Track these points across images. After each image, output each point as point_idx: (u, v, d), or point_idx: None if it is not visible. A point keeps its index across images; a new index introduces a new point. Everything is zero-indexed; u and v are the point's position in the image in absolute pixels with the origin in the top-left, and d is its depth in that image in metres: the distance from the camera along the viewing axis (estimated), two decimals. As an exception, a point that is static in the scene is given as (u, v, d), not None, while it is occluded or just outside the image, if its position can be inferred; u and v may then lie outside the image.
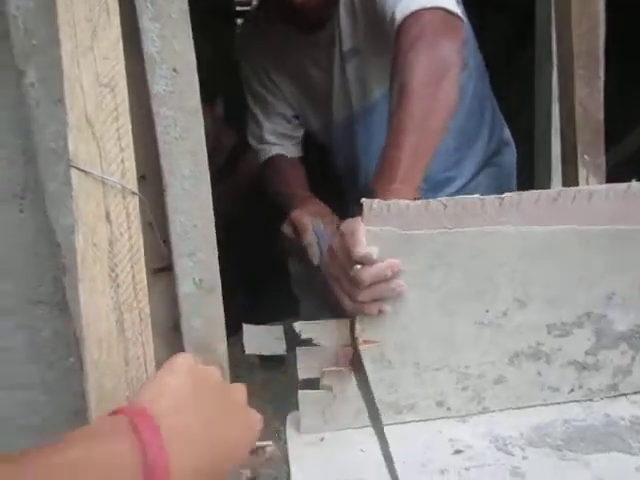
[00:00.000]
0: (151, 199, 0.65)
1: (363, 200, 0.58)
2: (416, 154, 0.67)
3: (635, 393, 0.74)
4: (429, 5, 0.76)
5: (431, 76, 0.70)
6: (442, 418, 0.70)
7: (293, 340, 0.89)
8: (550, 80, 0.86)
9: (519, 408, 0.72)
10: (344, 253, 0.60)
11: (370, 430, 0.68)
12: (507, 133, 1.19)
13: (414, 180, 0.66)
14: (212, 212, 0.64)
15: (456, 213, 0.60)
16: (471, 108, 1.07)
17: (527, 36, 1.21)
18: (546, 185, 0.90)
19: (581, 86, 0.78)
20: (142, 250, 0.64)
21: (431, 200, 0.60)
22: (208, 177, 0.64)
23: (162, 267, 0.67)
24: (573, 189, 0.61)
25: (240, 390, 0.46)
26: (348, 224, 0.60)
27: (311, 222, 0.90)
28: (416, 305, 0.64)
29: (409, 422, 0.69)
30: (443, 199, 0.60)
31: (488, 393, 0.70)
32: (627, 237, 0.65)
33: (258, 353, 0.84)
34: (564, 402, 0.73)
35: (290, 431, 0.68)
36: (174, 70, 0.61)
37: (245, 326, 0.90)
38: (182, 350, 0.62)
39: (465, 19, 0.99)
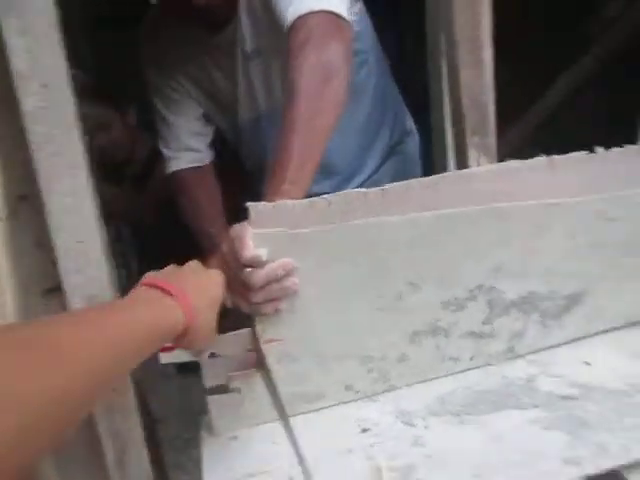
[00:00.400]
0: (34, 219, 0.63)
1: (249, 204, 0.58)
2: (305, 154, 0.66)
3: (530, 353, 0.79)
4: (317, 8, 0.76)
5: (318, 77, 0.70)
6: (352, 401, 0.72)
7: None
8: (440, 69, 0.86)
9: (424, 381, 0.75)
10: (233, 258, 0.59)
11: (281, 423, 0.70)
12: (410, 123, 1.21)
13: (304, 180, 0.66)
14: (98, 226, 0.62)
15: (341, 208, 0.61)
16: (374, 102, 1.09)
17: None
18: (444, 169, 0.92)
19: (467, 71, 0.79)
20: (28, 272, 0.61)
21: (315, 198, 0.60)
22: (90, 191, 0.61)
23: (53, 287, 0.65)
24: (452, 174, 0.63)
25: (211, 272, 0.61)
26: (235, 229, 0.60)
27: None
28: (313, 300, 0.64)
29: (321, 409, 0.71)
30: (327, 196, 0.60)
31: (393, 372, 0.73)
32: (507, 213, 0.68)
33: (173, 361, 0.83)
34: (465, 370, 0.77)
35: (203, 434, 0.69)
36: (44, 85, 0.58)
37: None
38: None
39: (361, 16, 0.99)
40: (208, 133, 1.15)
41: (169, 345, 0.57)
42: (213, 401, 0.67)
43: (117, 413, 0.63)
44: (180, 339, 0.53)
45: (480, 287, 0.72)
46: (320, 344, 0.68)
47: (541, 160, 0.67)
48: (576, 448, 0.61)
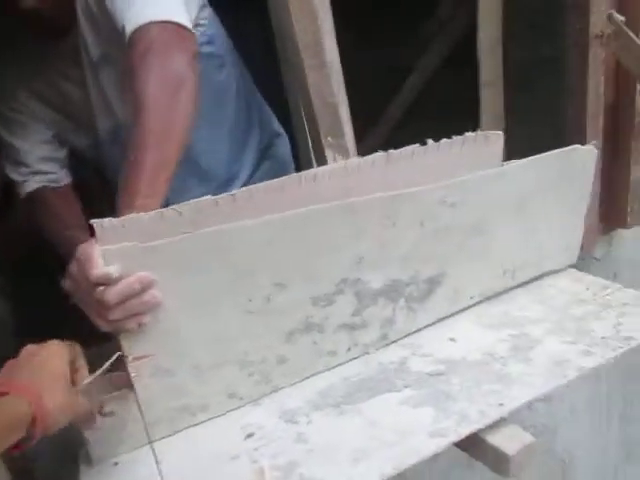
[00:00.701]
0: None
1: (93, 221, 0.57)
2: (158, 167, 0.67)
3: (402, 338, 0.84)
4: (157, 19, 0.76)
5: (165, 89, 0.70)
6: (238, 408, 0.72)
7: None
8: (291, 73, 0.91)
9: (306, 378, 0.77)
10: (82, 277, 0.58)
11: (166, 440, 0.68)
12: (277, 126, 1.23)
13: (159, 193, 0.66)
14: None
15: (193, 217, 0.62)
16: (238, 104, 1.10)
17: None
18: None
19: (313, 75, 0.84)
20: None
21: (164, 209, 0.61)
22: None
23: None
24: (296, 175, 0.67)
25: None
26: (82, 248, 0.59)
27: None
28: (178, 311, 0.64)
29: (206, 421, 0.71)
30: (176, 206, 0.61)
31: (274, 373, 0.74)
32: (359, 207, 0.72)
33: None
34: (344, 362, 0.80)
35: (83, 467, 0.66)
36: None
37: None
38: None
39: (212, 21, 1.01)
40: (60, 156, 1.08)
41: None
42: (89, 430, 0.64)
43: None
44: (34, 427, 0.52)
45: (345, 280, 0.75)
46: (195, 354, 0.67)
47: (380, 155, 0.72)
48: (441, 421, 0.66)
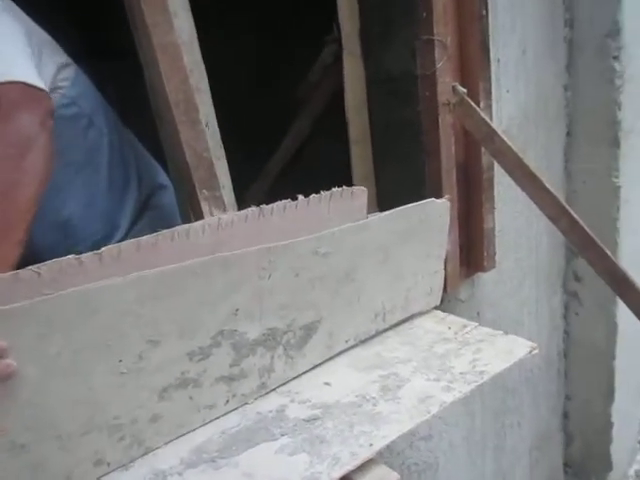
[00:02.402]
0: None
1: None
2: (6, 229, 0.61)
3: (280, 385, 0.83)
4: (2, 80, 0.71)
5: (9, 150, 0.66)
6: (103, 475, 0.66)
7: None
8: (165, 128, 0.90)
9: (182, 435, 0.73)
10: None
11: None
12: (163, 177, 1.20)
13: (8, 258, 0.60)
14: None
15: (54, 277, 0.57)
16: (111, 161, 1.06)
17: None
18: (188, 221, 0.94)
19: (186, 132, 0.83)
20: None
21: (21, 270, 0.55)
22: None
23: None
24: (169, 231, 0.64)
25: None
26: None
27: None
28: (38, 379, 0.58)
29: (70, 494, 0.64)
30: (33, 267, 0.56)
31: (147, 434, 0.69)
32: (233, 260, 0.71)
33: None
34: (223, 414, 0.77)
35: None
36: None
37: None
38: None
39: (76, 80, 0.97)
40: None
41: None
42: None
43: None
44: None
45: (221, 332, 0.73)
46: (58, 424, 0.61)
47: (253, 210, 0.72)
48: (314, 465, 0.65)
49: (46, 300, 0.56)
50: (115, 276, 0.61)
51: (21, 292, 0.55)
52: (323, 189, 0.82)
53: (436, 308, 1.07)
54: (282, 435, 0.71)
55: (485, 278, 1.37)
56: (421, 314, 1.04)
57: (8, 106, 0.68)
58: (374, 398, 0.78)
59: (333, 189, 0.81)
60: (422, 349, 0.92)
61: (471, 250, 1.19)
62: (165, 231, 0.64)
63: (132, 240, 0.63)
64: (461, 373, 0.84)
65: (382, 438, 0.69)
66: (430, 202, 0.95)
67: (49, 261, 0.57)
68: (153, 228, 1.13)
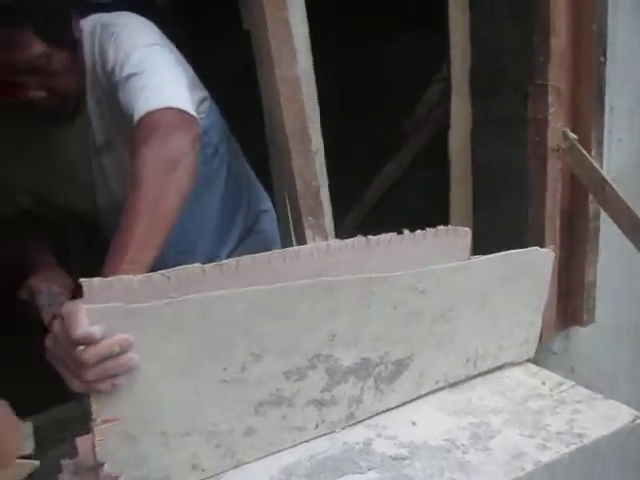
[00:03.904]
0: None
1: (82, 280, 0.56)
2: (146, 236, 0.67)
3: (368, 418, 0.81)
4: (162, 106, 0.80)
5: (162, 165, 0.73)
6: (198, 481, 0.67)
7: (46, 437, 0.80)
8: (277, 155, 0.95)
9: (271, 454, 0.73)
10: (64, 336, 0.56)
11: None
12: (266, 203, 1.27)
13: (144, 261, 0.66)
14: None
15: (180, 283, 0.61)
16: (227, 188, 1.14)
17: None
18: (289, 245, 0.98)
19: (298, 160, 0.87)
20: None
21: (154, 273, 0.60)
22: None
23: None
24: (282, 251, 0.67)
25: None
26: (68, 306, 0.57)
27: (45, 286, 0.90)
28: (154, 375, 0.61)
29: (164, 494, 0.65)
30: (164, 271, 0.60)
31: (240, 446, 0.70)
32: (337, 286, 0.72)
33: None
34: (311, 439, 0.76)
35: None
36: None
37: None
38: None
39: (210, 112, 1.06)
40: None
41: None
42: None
43: None
44: None
45: (318, 356, 0.74)
46: (163, 422, 0.64)
47: (360, 240, 0.74)
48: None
49: (172, 303, 0.60)
50: (232, 287, 0.64)
51: (151, 293, 0.59)
52: (417, 225, 0.82)
53: (527, 360, 1.01)
54: (369, 469, 0.70)
55: (581, 332, 1.28)
56: (512, 364, 0.99)
57: (167, 127, 0.76)
58: (464, 445, 0.75)
59: (438, 227, 0.80)
60: (514, 401, 0.87)
61: (569, 301, 1.12)
62: (278, 251, 0.67)
63: (249, 256, 0.66)
64: (558, 433, 0.78)
65: (473, 487, 0.65)
66: (534, 250, 0.91)
67: (177, 268, 0.61)
68: (254, 251, 1.19)
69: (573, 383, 0.93)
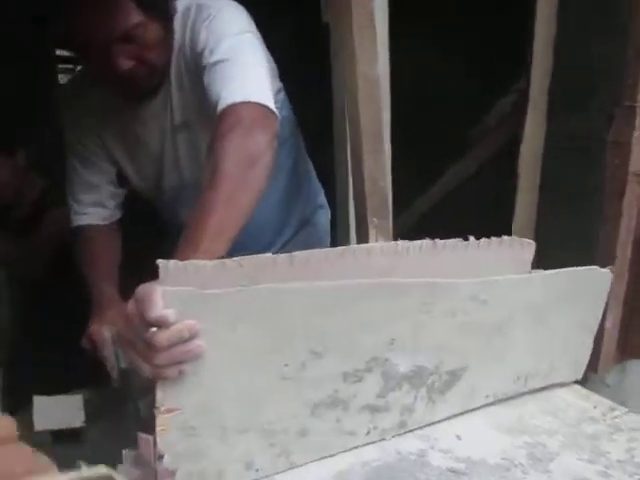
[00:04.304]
0: None
1: (159, 261, 0.54)
2: (221, 228, 0.66)
3: (420, 428, 0.78)
4: (247, 100, 0.80)
5: (243, 161, 0.73)
6: (252, 480, 0.65)
7: (94, 410, 0.79)
8: (345, 153, 0.93)
9: (321, 459, 0.70)
10: (138, 317, 0.54)
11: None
12: (322, 198, 1.27)
13: (217, 252, 0.65)
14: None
15: (252, 271, 0.59)
16: (289, 180, 1.14)
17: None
18: (346, 244, 0.96)
19: (369, 160, 0.86)
20: None
21: (226, 260, 0.58)
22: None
23: None
24: (354, 247, 0.65)
25: None
26: (144, 287, 0.55)
27: (109, 335, 0.82)
28: (218, 365, 0.59)
29: (217, 491, 0.63)
30: (237, 259, 0.58)
31: (294, 447, 0.68)
32: (399, 288, 0.70)
33: (52, 428, 0.72)
34: (361, 445, 0.73)
35: None
36: None
37: (36, 398, 0.77)
38: None
39: (283, 105, 1.05)
40: (120, 194, 1.11)
41: None
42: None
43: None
44: None
45: (376, 359, 0.71)
46: (223, 415, 0.61)
47: (428, 242, 0.72)
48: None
49: (244, 291, 0.58)
50: (300, 281, 0.62)
51: (223, 280, 0.58)
52: (473, 233, 0.79)
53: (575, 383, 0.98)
54: (428, 481, 0.67)
55: (637, 366, 1.23)
56: (561, 385, 0.95)
57: (250, 123, 0.76)
58: (522, 465, 0.71)
59: (504, 237, 0.78)
60: (567, 424, 0.84)
61: (631, 333, 1.07)
62: (350, 246, 0.65)
63: (321, 250, 0.64)
64: (619, 461, 0.74)
65: (538, 508, 0.62)
66: (594, 270, 0.89)
67: (249, 256, 0.59)
68: (307, 244, 1.19)
69: (626, 410, 0.89)
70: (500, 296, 0.79)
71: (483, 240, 0.77)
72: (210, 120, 0.85)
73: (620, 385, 1.22)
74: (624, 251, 0.98)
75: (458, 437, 0.77)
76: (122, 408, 0.76)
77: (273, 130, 0.79)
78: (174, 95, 0.97)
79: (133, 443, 0.59)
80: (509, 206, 1.11)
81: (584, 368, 0.98)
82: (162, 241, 1.20)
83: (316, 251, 0.63)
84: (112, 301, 0.93)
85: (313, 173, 1.22)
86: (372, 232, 0.79)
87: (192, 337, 0.56)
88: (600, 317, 0.94)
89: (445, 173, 1.56)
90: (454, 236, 0.76)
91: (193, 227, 0.66)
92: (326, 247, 1.19)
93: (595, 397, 0.94)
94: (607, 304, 0.87)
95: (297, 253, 0.62)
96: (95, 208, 1.07)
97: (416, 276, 0.71)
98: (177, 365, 0.55)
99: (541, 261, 0.88)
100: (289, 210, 1.13)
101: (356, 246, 0.67)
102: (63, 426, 0.72)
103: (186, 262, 0.56)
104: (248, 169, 0.72)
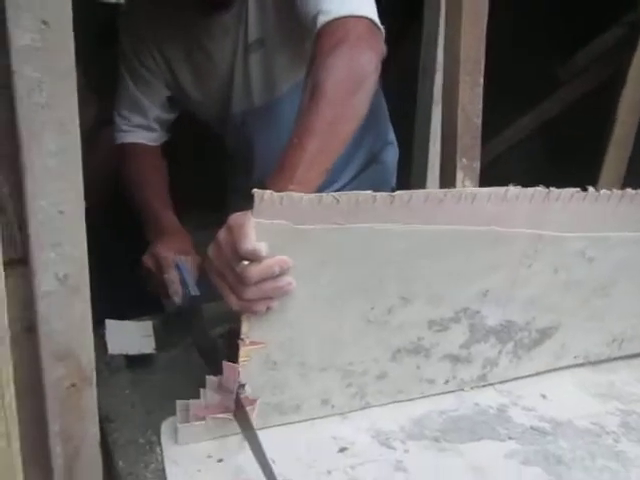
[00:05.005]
0: (7, 178, 0.52)
1: (255, 191, 0.50)
2: (318, 157, 0.61)
3: (501, 382, 0.75)
4: (356, 14, 0.71)
5: (347, 83, 0.65)
6: (326, 416, 0.64)
7: (164, 337, 0.78)
8: (432, 84, 0.83)
9: (398, 402, 0.69)
10: (230, 247, 0.51)
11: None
12: (391, 134, 1.17)
13: (312, 183, 0.60)
14: (83, 195, 0.52)
15: (348, 209, 0.54)
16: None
17: (409, 37, 1.19)
18: (421, 186, 0.89)
19: (465, 92, 0.76)
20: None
21: (324, 194, 0.53)
22: (79, 153, 0.51)
23: (16, 259, 0.54)
24: (458, 190, 0.59)
25: None
26: (237, 217, 0.52)
27: (174, 258, 0.79)
28: (304, 303, 0.57)
29: (293, 423, 0.63)
30: (336, 194, 0.54)
31: (370, 389, 0.66)
32: (502, 238, 0.64)
33: (124, 353, 0.73)
34: (439, 393, 0.71)
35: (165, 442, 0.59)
36: (44, 22, 0.47)
37: (108, 322, 0.78)
38: (36, 356, 0.50)
39: None
40: (170, 118, 1.04)
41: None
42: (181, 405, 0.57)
43: (73, 411, 0.51)
44: None
45: (466, 310, 0.67)
46: (304, 353, 0.60)
47: (540, 190, 0.64)
48: (554, 486, 0.56)
49: (337, 229, 0.54)
50: (399, 221, 0.57)
51: (318, 216, 0.53)
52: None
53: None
54: (509, 438, 0.64)
55: None
56: (657, 353, 0.88)
57: (357, 40, 0.67)
58: (614, 433, 0.67)
59: (627, 189, 0.69)
60: (662, 394, 0.78)
61: None
62: (454, 190, 0.59)
63: (423, 191, 0.58)
64: None
65: (632, 482, 0.58)
66: None
67: (348, 192, 0.54)
68: (373, 181, 1.11)
69: None
70: (609, 254, 0.71)
71: (603, 192, 0.68)
72: (292, 39, 0.77)
73: None
74: None
75: (543, 396, 0.73)
76: (190, 336, 0.77)
77: (380, 49, 0.70)
78: (251, 8, 0.88)
79: (203, 370, 0.59)
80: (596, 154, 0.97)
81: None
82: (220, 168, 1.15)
83: (418, 192, 0.57)
84: (174, 227, 0.89)
85: (385, 106, 1.12)
86: (460, 174, 0.72)
87: (282, 273, 0.53)
88: None
89: (527, 114, 1.40)
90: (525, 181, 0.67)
91: (290, 153, 0.61)
92: (392, 187, 1.12)
93: (694, 368, 0.86)
94: None
95: (398, 193, 0.56)
96: (141, 130, 1.01)
97: (522, 226, 0.64)
98: (265, 300, 0.53)
99: None
100: (359, 143, 1.04)
101: (461, 189, 0.60)
102: (135, 351, 0.72)
103: (282, 194, 0.51)
104: (353, 93, 0.65)
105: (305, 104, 0.64)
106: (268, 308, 0.54)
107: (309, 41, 0.77)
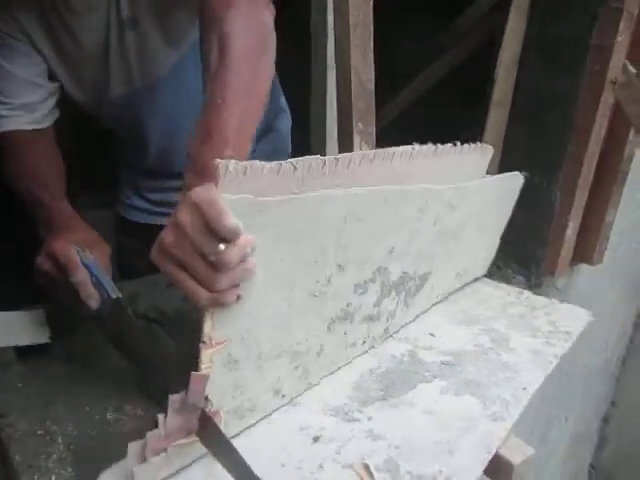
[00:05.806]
0: None
1: (218, 161, 0.42)
2: (244, 119, 0.54)
3: (396, 332, 0.80)
4: None
5: (256, 40, 0.59)
6: (278, 408, 0.59)
7: (58, 326, 0.67)
8: (325, 50, 0.81)
9: (330, 374, 0.68)
10: (203, 229, 0.41)
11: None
12: (283, 100, 1.12)
13: (244, 148, 0.53)
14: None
15: (302, 176, 0.50)
16: None
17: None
18: (321, 151, 0.87)
19: (357, 57, 0.76)
20: None
21: (282, 162, 0.48)
22: None
23: None
24: (380, 150, 0.60)
25: None
26: (201, 192, 0.42)
27: (79, 255, 0.63)
28: (261, 286, 0.50)
29: (251, 427, 0.56)
30: (292, 160, 0.48)
31: (312, 367, 0.63)
32: (408, 195, 0.68)
33: (13, 344, 0.63)
34: (359, 355, 0.73)
35: None
36: None
37: None
38: None
39: None
40: (53, 92, 0.85)
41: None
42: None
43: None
44: None
45: (380, 269, 0.69)
46: (260, 342, 0.53)
47: (430, 147, 0.69)
48: (489, 406, 0.64)
49: (292, 199, 0.49)
50: (341, 187, 0.55)
51: (276, 186, 0.47)
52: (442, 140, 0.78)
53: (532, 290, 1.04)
54: (434, 377, 0.69)
55: (582, 270, 1.29)
56: (475, 280, 1.07)
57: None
58: (492, 349, 0.79)
59: (472, 144, 0.80)
60: (497, 310, 0.95)
61: (582, 240, 1.11)
62: (378, 151, 0.59)
63: (358, 153, 0.57)
64: (550, 332, 0.87)
65: (529, 383, 0.70)
66: (517, 175, 0.98)
67: (302, 157, 0.49)
68: (270, 149, 1.04)
69: (529, 292, 1.04)
70: (464, 201, 0.83)
71: (450, 146, 0.77)
72: (166, 16, 0.67)
73: (567, 287, 1.31)
74: (591, 162, 0.99)
75: (432, 335, 0.81)
76: (89, 323, 0.65)
77: (271, 8, 0.65)
78: None
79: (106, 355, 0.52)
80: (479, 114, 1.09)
81: (489, 264, 1.11)
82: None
83: (354, 154, 0.56)
84: (69, 216, 0.73)
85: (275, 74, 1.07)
86: (356, 138, 0.73)
87: (250, 254, 0.45)
88: (508, 219, 1.06)
89: (415, 78, 1.48)
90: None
91: (215, 116, 0.51)
92: (288, 154, 1.09)
93: (503, 286, 1.08)
94: (570, 213, 0.93)
95: (341, 156, 0.54)
96: (23, 112, 0.81)
97: (421, 182, 0.69)
98: (235, 288, 0.45)
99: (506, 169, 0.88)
100: None
101: (381, 150, 0.61)
102: (27, 342, 0.63)
103: (245, 164, 0.44)
104: (262, 49, 0.59)
105: (215, 62, 0.55)
106: (238, 297, 0.46)
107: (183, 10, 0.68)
